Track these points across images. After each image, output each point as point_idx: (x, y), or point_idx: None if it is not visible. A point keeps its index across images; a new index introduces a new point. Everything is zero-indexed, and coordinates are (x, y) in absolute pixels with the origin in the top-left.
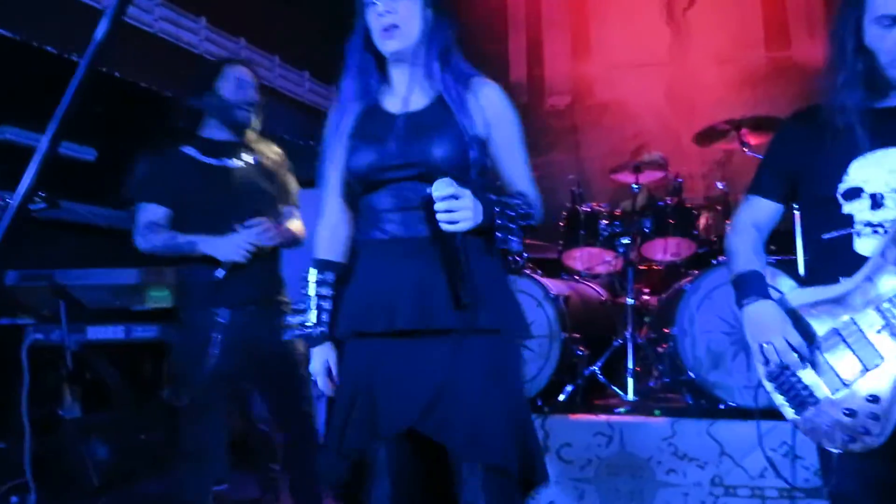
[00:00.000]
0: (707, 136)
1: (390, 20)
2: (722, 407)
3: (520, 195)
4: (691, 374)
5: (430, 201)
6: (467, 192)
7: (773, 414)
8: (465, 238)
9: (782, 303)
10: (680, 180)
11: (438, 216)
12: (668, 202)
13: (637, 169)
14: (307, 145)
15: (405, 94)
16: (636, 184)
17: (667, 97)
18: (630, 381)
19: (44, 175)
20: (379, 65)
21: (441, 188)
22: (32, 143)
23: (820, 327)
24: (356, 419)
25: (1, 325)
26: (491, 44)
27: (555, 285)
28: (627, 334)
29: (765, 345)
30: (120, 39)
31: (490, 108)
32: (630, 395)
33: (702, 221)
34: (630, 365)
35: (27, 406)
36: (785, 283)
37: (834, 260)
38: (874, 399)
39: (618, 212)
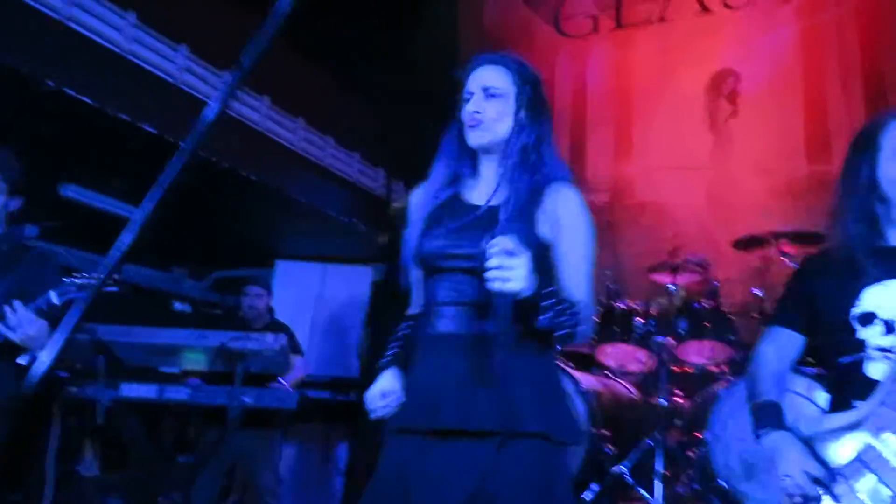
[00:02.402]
0: (747, 244)
1: (478, 117)
2: None
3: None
4: (722, 483)
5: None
6: (526, 255)
7: None
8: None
9: (801, 430)
10: (717, 284)
11: (490, 272)
12: (705, 305)
13: (675, 270)
14: (351, 223)
15: (489, 187)
16: (673, 284)
17: (706, 201)
18: (658, 485)
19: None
20: (472, 155)
21: (501, 241)
22: (91, 202)
23: (841, 454)
24: None
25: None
26: None
27: (586, 379)
28: (658, 436)
29: (785, 478)
30: (183, 108)
31: (562, 212)
32: (658, 500)
33: (738, 327)
34: (659, 468)
35: (54, 460)
36: (821, 396)
37: (848, 384)
38: None
39: (653, 311)
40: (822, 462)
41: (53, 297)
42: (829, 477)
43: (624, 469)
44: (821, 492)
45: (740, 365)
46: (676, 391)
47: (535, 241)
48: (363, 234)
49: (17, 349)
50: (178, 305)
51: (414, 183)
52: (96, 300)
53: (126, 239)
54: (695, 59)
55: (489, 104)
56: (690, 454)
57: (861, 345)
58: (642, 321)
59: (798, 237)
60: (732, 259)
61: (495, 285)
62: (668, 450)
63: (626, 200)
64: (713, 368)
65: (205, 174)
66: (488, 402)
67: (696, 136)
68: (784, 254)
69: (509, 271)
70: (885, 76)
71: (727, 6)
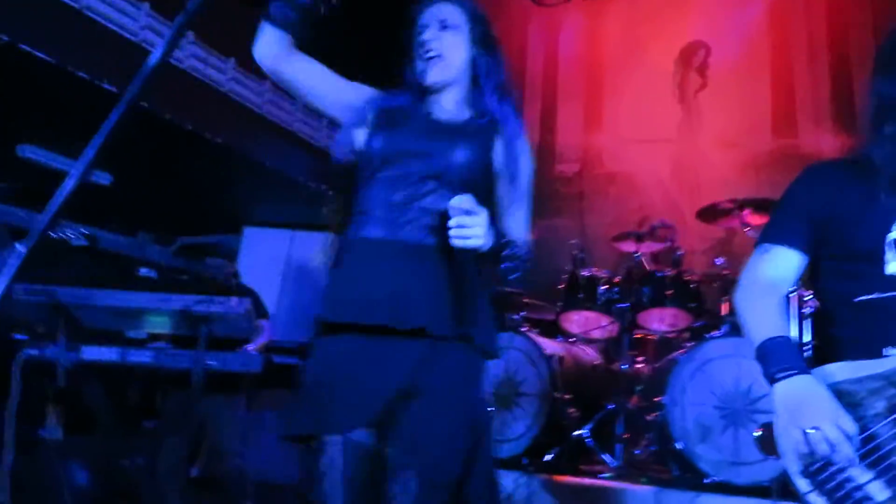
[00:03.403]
0: (710, 214)
1: (436, 47)
2: (707, 481)
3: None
4: (679, 445)
5: (444, 214)
6: (484, 213)
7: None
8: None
9: (822, 379)
10: (680, 252)
11: (451, 230)
12: (668, 273)
13: (639, 238)
14: (319, 189)
15: (449, 106)
16: (637, 252)
17: (673, 173)
18: (618, 448)
19: (73, 202)
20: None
21: (460, 201)
22: (50, 163)
23: (869, 411)
24: (311, 407)
25: None
26: None
27: (550, 345)
28: (619, 400)
29: (810, 431)
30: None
31: (513, 150)
32: (616, 462)
33: (699, 295)
34: (619, 431)
35: (14, 423)
36: None
37: (874, 328)
38: None
39: (617, 279)
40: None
41: (20, 249)
42: (862, 440)
43: (585, 432)
44: (853, 454)
45: (700, 332)
46: (637, 357)
47: (489, 168)
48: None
49: None
50: (143, 271)
51: None
52: (59, 259)
53: (68, 186)
54: (666, 30)
55: (444, 35)
56: (649, 418)
57: (891, 281)
58: (606, 288)
59: (760, 206)
60: (697, 230)
61: (456, 242)
62: (628, 414)
63: (596, 170)
64: (673, 335)
65: (169, 137)
66: (421, 304)
67: (666, 108)
68: (746, 224)
69: (469, 229)
70: (850, 54)
71: None
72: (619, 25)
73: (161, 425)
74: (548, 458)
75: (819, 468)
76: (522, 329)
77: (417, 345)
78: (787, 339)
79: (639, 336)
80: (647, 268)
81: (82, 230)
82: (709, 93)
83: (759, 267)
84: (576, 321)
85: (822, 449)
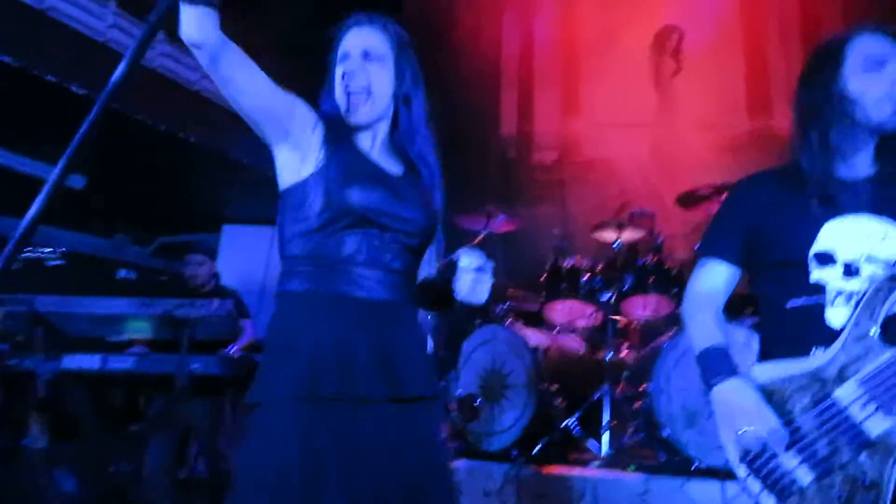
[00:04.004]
0: (689, 199)
1: (361, 83)
2: (695, 466)
3: None
4: (666, 432)
5: (402, 272)
6: (491, 268)
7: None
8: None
9: (752, 380)
10: (661, 239)
11: (462, 284)
12: (649, 260)
13: (620, 226)
14: None
15: (388, 153)
16: (618, 240)
17: (651, 157)
18: (605, 436)
19: (47, 209)
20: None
21: (474, 257)
22: (19, 168)
23: (796, 405)
24: (315, 489)
25: None
26: (483, 98)
27: (534, 336)
28: (605, 389)
29: (741, 432)
30: (112, 68)
31: (440, 200)
32: (605, 450)
33: (681, 281)
34: (606, 419)
35: None
36: None
37: (802, 331)
38: (871, 484)
39: (599, 267)
40: (780, 412)
41: None
42: (787, 428)
43: (573, 422)
44: (780, 446)
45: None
46: (622, 345)
47: (436, 223)
48: None
49: None
50: (122, 273)
51: None
52: (35, 271)
53: (38, 202)
54: (640, 14)
55: (369, 67)
56: (636, 405)
57: (816, 288)
58: (588, 277)
59: None
60: (676, 214)
61: (465, 296)
62: (614, 402)
63: (575, 158)
64: (657, 322)
65: (142, 137)
66: (411, 370)
67: (642, 93)
68: None
69: (482, 285)
70: (823, 33)
71: None
72: (593, 10)
73: (146, 428)
74: (537, 449)
75: (754, 457)
76: (507, 321)
77: (416, 408)
78: (719, 348)
79: (623, 324)
80: (629, 255)
81: (57, 250)
82: (684, 76)
83: (697, 281)
84: (560, 311)
85: (752, 444)
